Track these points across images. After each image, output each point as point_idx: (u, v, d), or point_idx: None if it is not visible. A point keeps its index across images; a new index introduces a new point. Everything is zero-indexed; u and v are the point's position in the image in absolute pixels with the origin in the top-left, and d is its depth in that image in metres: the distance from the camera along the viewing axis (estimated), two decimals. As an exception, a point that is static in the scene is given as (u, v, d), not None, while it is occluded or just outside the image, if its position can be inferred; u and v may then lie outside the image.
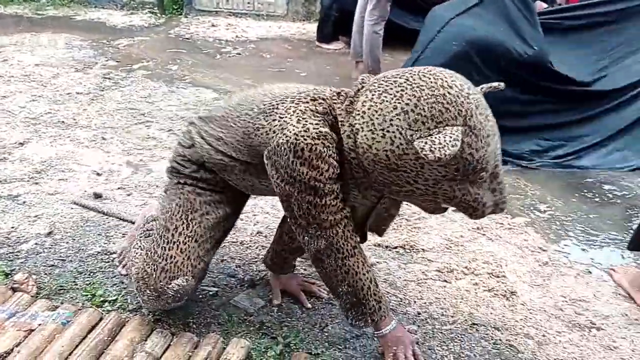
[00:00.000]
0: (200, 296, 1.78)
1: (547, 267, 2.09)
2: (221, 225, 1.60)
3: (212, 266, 1.88)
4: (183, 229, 1.52)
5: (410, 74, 1.24)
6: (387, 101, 1.21)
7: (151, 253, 1.54)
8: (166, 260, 1.50)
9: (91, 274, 1.85)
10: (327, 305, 1.77)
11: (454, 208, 1.32)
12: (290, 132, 1.28)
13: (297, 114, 1.32)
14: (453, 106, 1.17)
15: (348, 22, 4.28)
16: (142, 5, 6.05)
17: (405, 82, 1.22)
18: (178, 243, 1.51)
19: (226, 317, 1.67)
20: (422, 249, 2.14)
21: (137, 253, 1.73)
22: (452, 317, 1.76)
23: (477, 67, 2.77)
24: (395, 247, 2.14)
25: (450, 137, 1.13)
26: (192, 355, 1.51)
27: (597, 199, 2.60)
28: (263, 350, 1.56)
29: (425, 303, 1.82)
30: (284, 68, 4.44)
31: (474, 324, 1.73)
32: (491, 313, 1.79)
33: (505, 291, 1.91)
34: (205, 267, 1.57)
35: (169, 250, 1.51)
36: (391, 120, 1.20)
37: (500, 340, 1.67)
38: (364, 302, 1.43)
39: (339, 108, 1.33)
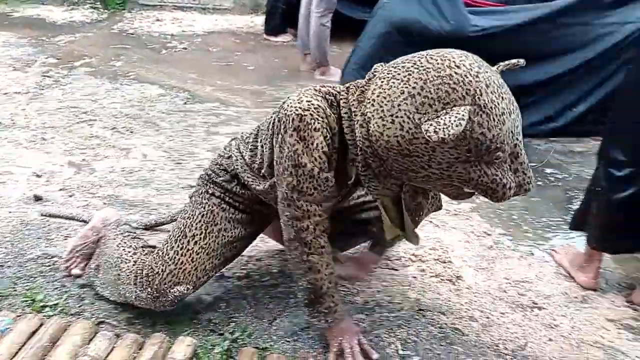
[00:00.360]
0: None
1: (492, 251, 2.14)
2: (234, 245, 1.63)
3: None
4: (199, 239, 1.56)
5: (419, 57, 1.23)
6: (394, 86, 1.21)
7: (162, 253, 1.56)
8: (176, 264, 1.53)
9: (31, 279, 1.79)
10: (276, 298, 1.76)
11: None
12: (286, 106, 1.35)
13: (300, 94, 1.37)
14: (460, 86, 1.16)
15: (295, 14, 4.26)
16: (83, 1, 5.88)
17: (412, 66, 1.22)
18: (191, 252, 1.55)
19: (172, 316, 1.64)
20: (371, 239, 2.16)
21: (125, 252, 1.68)
22: (399, 304, 1.78)
23: (402, 47, 2.83)
24: (344, 238, 2.15)
25: (456, 117, 1.12)
26: (137, 356, 1.48)
27: (539, 182, 2.67)
28: (210, 347, 1.55)
29: (373, 291, 1.84)
30: (232, 62, 4.40)
31: (420, 309, 1.76)
32: (437, 298, 1.82)
33: (452, 276, 1.95)
34: (206, 281, 1.61)
35: (182, 256, 1.54)
36: (399, 105, 1.20)
37: (446, 324, 1.70)
38: (321, 300, 1.47)
39: (349, 99, 1.35)
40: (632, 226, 1.84)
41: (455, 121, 1.11)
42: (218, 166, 1.66)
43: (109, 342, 1.52)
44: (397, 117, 1.20)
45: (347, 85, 1.40)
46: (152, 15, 5.59)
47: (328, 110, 1.34)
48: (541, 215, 2.41)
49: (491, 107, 1.16)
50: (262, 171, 1.52)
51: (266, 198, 1.55)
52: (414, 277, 1.93)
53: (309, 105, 1.32)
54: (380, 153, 1.27)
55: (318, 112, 1.32)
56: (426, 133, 1.12)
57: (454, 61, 1.18)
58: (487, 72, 1.20)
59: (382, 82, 1.25)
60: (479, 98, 1.15)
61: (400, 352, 1.57)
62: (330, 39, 4.01)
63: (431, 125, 1.12)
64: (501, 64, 1.31)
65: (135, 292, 1.56)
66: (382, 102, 1.23)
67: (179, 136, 2.96)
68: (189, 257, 1.54)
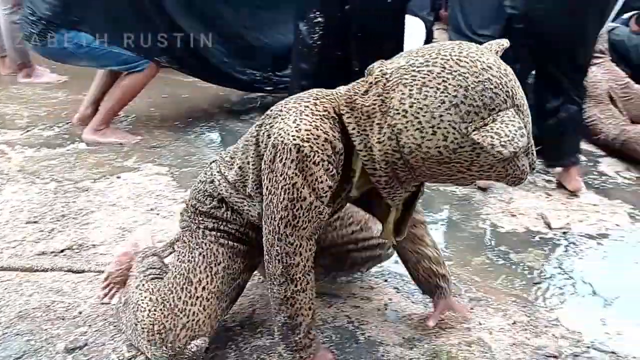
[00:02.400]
0: None
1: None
2: (238, 283, 1.49)
3: None
4: (207, 284, 1.41)
5: (443, 59, 1.14)
6: (431, 96, 1.12)
7: (170, 305, 1.40)
8: (188, 317, 1.38)
9: None
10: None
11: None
12: (282, 132, 1.20)
13: (296, 118, 1.21)
14: (500, 89, 1.12)
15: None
16: None
17: (443, 71, 1.12)
18: (201, 299, 1.40)
19: None
20: (93, 245, 2.03)
21: (142, 298, 1.46)
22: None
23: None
24: (62, 251, 1.98)
25: (513, 126, 1.09)
26: None
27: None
28: None
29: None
30: None
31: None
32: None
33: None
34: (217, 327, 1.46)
35: (192, 305, 1.39)
36: (441, 116, 1.11)
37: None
38: (298, 337, 1.35)
39: (353, 113, 1.22)
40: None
41: (517, 132, 1.09)
42: (202, 193, 1.48)
43: None
44: (439, 128, 1.12)
45: (342, 94, 1.28)
46: None
47: (330, 133, 1.21)
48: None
49: (522, 104, 1.16)
50: (249, 191, 1.36)
51: (260, 222, 1.35)
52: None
53: (308, 135, 1.18)
54: (413, 163, 1.18)
55: (318, 143, 1.19)
56: (493, 148, 1.08)
57: (484, 61, 1.14)
58: (504, 64, 1.18)
59: (410, 90, 1.14)
60: (515, 98, 1.14)
61: None
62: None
63: (493, 138, 1.09)
64: (492, 43, 1.27)
65: (150, 349, 1.41)
66: (418, 113, 1.13)
67: None
68: (201, 306, 1.39)
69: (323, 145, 1.20)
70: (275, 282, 1.32)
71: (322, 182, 1.22)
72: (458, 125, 1.11)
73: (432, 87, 1.12)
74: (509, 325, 1.72)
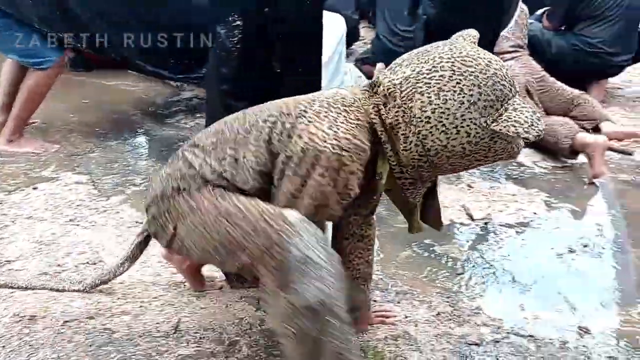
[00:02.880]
0: None
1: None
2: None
3: None
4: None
5: (448, 62, 1.24)
6: (450, 99, 1.22)
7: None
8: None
9: None
10: None
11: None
12: (315, 138, 1.22)
13: (332, 124, 1.24)
14: (505, 80, 1.24)
15: None
16: None
17: (454, 74, 1.23)
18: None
19: None
20: (8, 261, 1.93)
21: None
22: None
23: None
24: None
25: (527, 112, 1.22)
26: None
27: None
28: None
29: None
30: None
31: (67, 321, 1.64)
32: (87, 304, 1.73)
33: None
34: None
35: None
36: (462, 115, 1.22)
37: (94, 328, 1.62)
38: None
39: (385, 122, 1.30)
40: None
41: (533, 115, 1.22)
42: (181, 177, 1.37)
43: None
44: (462, 127, 1.23)
45: (364, 102, 1.33)
46: None
47: (366, 144, 1.27)
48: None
49: (516, 85, 1.29)
50: (239, 184, 1.32)
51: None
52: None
53: (348, 145, 1.22)
54: (437, 162, 1.29)
55: (358, 152, 1.23)
56: (520, 135, 1.20)
57: (483, 57, 1.25)
58: (490, 54, 1.29)
59: (428, 97, 1.23)
60: (514, 85, 1.27)
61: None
62: None
63: (515, 127, 1.20)
64: (468, 32, 1.37)
65: None
66: (441, 117, 1.23)
67: None
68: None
69: (361, 155, 1.25)
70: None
71: (351, 190, 1.27)
72: (478, 121, 1.22)
73: (448, 91, 1.22)
74: (434, 317, 1.77)
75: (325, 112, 1.28)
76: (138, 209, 2.31)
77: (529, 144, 3.18)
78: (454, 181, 2.75)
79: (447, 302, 1.87)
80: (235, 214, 1.25)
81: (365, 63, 3.94)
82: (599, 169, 2.85)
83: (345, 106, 1.30)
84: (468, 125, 1.23)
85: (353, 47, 4.63)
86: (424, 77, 1.25)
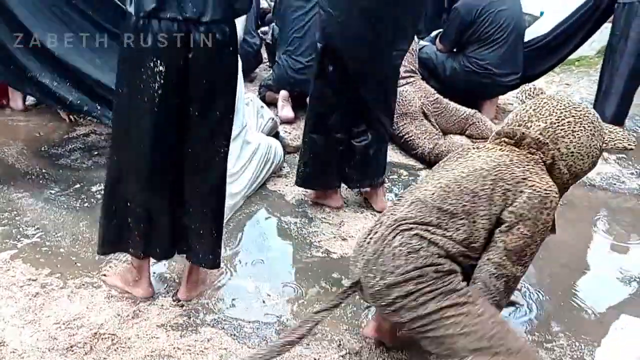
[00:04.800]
0: None
1: (39, 298, 1.99)
2: None
3: None
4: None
5: (566, 112, 1.75)
6: (582, 136, 1.73)
7: None
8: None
9: None
10: None
11: None
12: (537, 187, 1.66)
13: (538, 175, 1.70)
14: (595, 114, 1.81)
15: None
16: None
17: (574, 119, 1.74)
18: None
19: None
20: None
21: None
22: None
23: None
24: None
25: (616, 129, 1.87)
26: None
27: (86, 204, 2.63)
28: None
29: None
30: None
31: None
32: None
33: (-7, 345, 1.75)
34: None
35: None
36: (590, 145, 1.75)
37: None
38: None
39: (545, 162, 1.75)
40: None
41: (623, 132, 1.86)
42: (429, 259, 1.63)
43: None
44: (590, 153, 1.75)
45: (530, 158, 1.74)
46: None
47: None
48: (89, 242, 2.36)
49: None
50: (475, 245, 1.67)
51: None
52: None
53: (553, 187, 1.68)
54: (573, 178, 1.79)
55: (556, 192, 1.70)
56: (630, 145, 1.83)
57: (575, 102, 1.82)
58: None
59: (570, 139, 1.73)
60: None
61: None
62: None
63: (622, 141, 1.82)
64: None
65: None
66: (580, 150, 1.73)
67: None
68: None
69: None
70: (510, 282, 1.69)
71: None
72: (599, 144, 1.77)
73: (579, 131, 1.73)
74: (341, 357, 1.79)
75: (530, 172, 1.70)
76: (32, 264, 2.18)
77: (429, 165, 3.32)
78: (359, 210, 2.80)
79: (356, 339, 1.90)
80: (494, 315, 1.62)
81: (269, 89, 3.95)
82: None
83: (536, 164, 1.73)
84: (594, 150, 1.76)
85: (257, 71, 4.62)
86: (558, 126, 1.73)
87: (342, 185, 2.80)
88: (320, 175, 2.73)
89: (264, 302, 2.09)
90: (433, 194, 1.70)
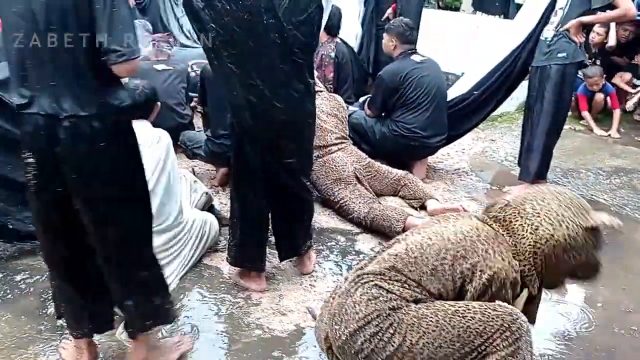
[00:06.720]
0: None
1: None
2: None
3: None
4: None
5: (552, 201, 1.84)
6: (567, 215, 1.80)
7: None
8: None
9: None
10: None
11: None
12: (499, 269, 1.75)
13: (499, 252, 1.78)
14: (579, 199, 1.89)
15: None
16: None
17: (560, 204, 1.83)
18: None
19: None
20: None
21: None
22: None
23: None
24: None
25: (600, 212, 1.86)
26: None
27: (9, 295, 2.48)
28: None
29: None
30: None
31: None
32: None
33: None
34: None
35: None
36: (577, 233, 1.79)
37: None
38: None
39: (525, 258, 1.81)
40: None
41: (605, 214, 1.84)
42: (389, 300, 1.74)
43: None
44: (576, 239, 1.80)
45: (501, 234, 1.85)
46: None
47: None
48: (15, 326, 2.22)
49: None
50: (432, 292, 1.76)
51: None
52: None
53: (513, 267, 1.80)
54: (547, 254, 1.80)
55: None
56: (613, 224, 1.81)
57: (556, 189, 1.93)
58: None
59: (548, 227, 1.80)
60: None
61: None
62: None
63: (603, 221, 1.80)
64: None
65: None
66: (561, 225, 1.79)
67: None
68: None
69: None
70: None
71: None
72: (577, 221, 1.79)
73: (560, 214, 1.80)
74: None
75: (493, 248, 1.79)
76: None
77: (365, 229, 3.35)
78: (297, 281, 2.77)
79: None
80: (462, 311, 1.69)
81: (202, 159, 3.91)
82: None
83: (500, 242, 1.81)
84: (583, 238, 1.80)
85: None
86: (545, 215, 1.81)
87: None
88: (246, 255, 2.64)
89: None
90: (397, 254, 1.81)
